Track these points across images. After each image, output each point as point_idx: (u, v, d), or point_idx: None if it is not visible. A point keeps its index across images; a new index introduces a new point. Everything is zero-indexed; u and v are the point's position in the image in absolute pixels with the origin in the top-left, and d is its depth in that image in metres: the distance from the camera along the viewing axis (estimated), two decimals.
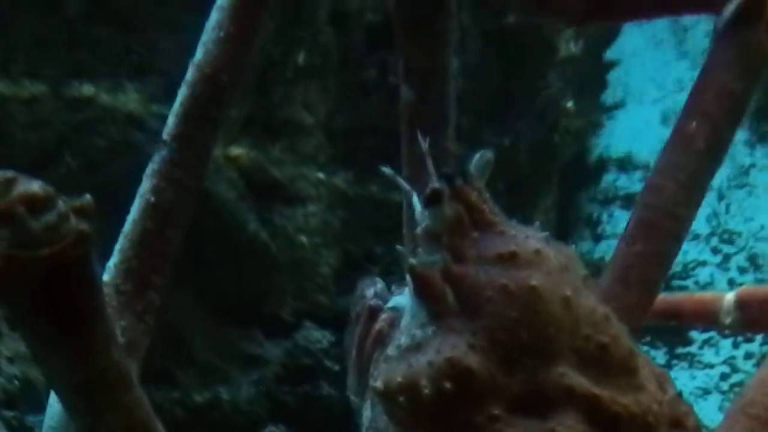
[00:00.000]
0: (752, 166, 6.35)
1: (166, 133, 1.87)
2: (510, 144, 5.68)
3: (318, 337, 5.19)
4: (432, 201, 1.61)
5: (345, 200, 5.46)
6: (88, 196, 1.35)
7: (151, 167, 1.86)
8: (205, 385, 4.99)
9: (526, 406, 1.49)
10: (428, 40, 1.86)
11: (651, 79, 6.69)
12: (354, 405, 1.70)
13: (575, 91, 6.18)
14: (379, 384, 1.53)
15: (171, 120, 1.88)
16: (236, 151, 5.22)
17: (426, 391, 1.48)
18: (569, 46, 5.97)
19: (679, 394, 1.60)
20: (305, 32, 5.32)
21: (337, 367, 5.11)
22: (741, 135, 6.48)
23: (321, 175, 5.44)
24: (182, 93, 1.89)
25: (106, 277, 1.78)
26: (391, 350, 1.57)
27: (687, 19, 6.27)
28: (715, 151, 1.92)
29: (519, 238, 1.58)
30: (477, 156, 1.69)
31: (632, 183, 6.58)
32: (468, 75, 5.30)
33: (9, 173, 1.29)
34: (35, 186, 1.30)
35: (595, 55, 6.42)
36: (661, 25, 6.46)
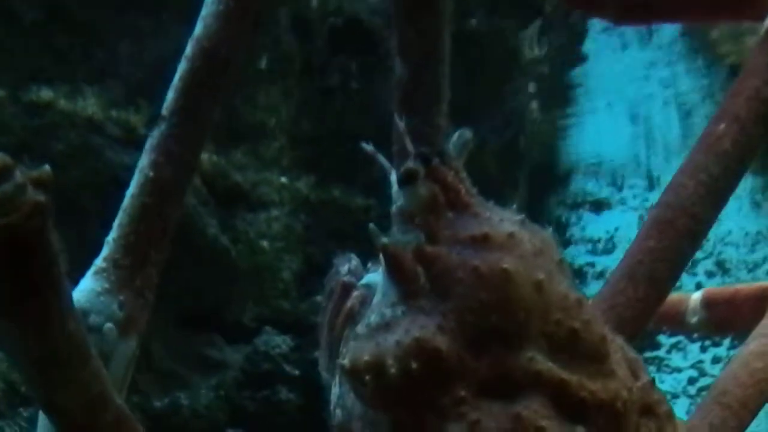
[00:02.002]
0: None
1: (165, 107, 1.83)
2: (475, 148, 5.66)
3: (278, 342, 5.17)
4: (407, 180, 1.57)
5: (307, 205, 5.44)
6: (47, 167, 1.33)
7: (150, 142, 1.81)
8: (165, 390, 4.97)
9: (492, 389, 1.46)
10: (427, 18, 1.84)
11: (619, 81, 6.69)
12: (324, 381, 1.67)
13: (541, 95, 6.18)
14: (346, 362, 1.50)
15: (170, 95, 1.84)
16: None
17: (392, 370, 1.46)
18: (534, 50, 5.96)
19: (652, 381, 1.58)
20: (267, 37, 5.31)
21: (296, 372, 5.10)
22: None
23: (284, 180, 5.42)
24: (181, 67, 1.85)
25: (104, 252, 1.75)
26: (360, 328, 1.55)
27: None
28: (741, 155, 1.87)
29: (493, 221, 1.54)
30: (455, 135, 1.67)
31: (601, 187, 6.58)
32: None
33: None
34: None
35: (561, 58, 6.42)
36: (628, 28, 6.46)
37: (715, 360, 6.08)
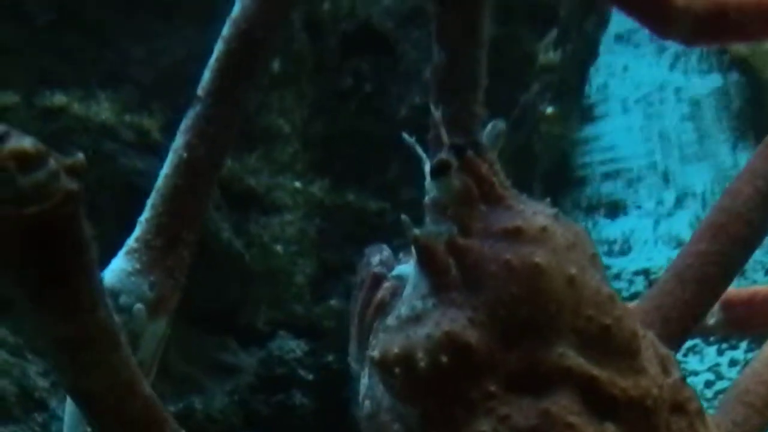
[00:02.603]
0: (735, 168, 6.34)
1: (201, 88, 1.84)
2: None
3: (292, 346, 5.16)
4: (440, 171, 1.58)
5: (321, 209, 5.42)
6: (80, 155, 1.32)
7: (185, 123, 1.82)
8: (179, 394, 4.96)
9: (522, 384, 1.46)
10: (466, 3, 1.83)
11: (633, 85, 6.67)
12: (353, 372, 1.68)
13: (556, 98, 6.15)
14: (376, 354, 1.51)
15: (206, 75, 1.84)
16: None
17: (422, 363, 1.46)
18: (548, 54, 5.94)
19: (683, 378, 1.58)
20: (279, 39, 5.29)
21: (310, 377, 5.08)
22: (724, 138, 6.46)
23: (297, 184, 5.40)
24: (218, 49, 1.85)
25: (136, 232, 1.78)
26: (390, 320, 1.55)
27: None
28: None
29: (527, 214, 1.55)
30: (489, 126, 1.66)
31: (616, 190, 6.56)
32: None
33: (2, 127, 1.27)
34: (27, 142, 1.26)
35: (575, 62, 6.39)
36: (641, 31, 6.44)
37: (732, 363, 6.05)
